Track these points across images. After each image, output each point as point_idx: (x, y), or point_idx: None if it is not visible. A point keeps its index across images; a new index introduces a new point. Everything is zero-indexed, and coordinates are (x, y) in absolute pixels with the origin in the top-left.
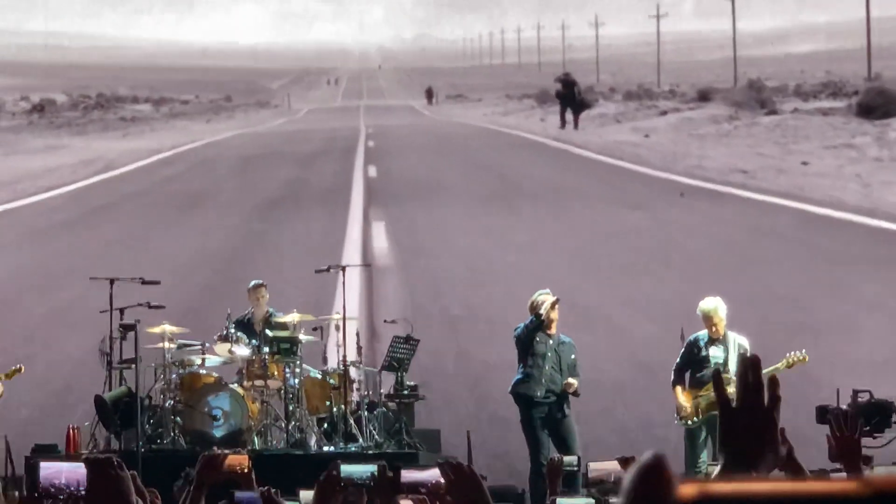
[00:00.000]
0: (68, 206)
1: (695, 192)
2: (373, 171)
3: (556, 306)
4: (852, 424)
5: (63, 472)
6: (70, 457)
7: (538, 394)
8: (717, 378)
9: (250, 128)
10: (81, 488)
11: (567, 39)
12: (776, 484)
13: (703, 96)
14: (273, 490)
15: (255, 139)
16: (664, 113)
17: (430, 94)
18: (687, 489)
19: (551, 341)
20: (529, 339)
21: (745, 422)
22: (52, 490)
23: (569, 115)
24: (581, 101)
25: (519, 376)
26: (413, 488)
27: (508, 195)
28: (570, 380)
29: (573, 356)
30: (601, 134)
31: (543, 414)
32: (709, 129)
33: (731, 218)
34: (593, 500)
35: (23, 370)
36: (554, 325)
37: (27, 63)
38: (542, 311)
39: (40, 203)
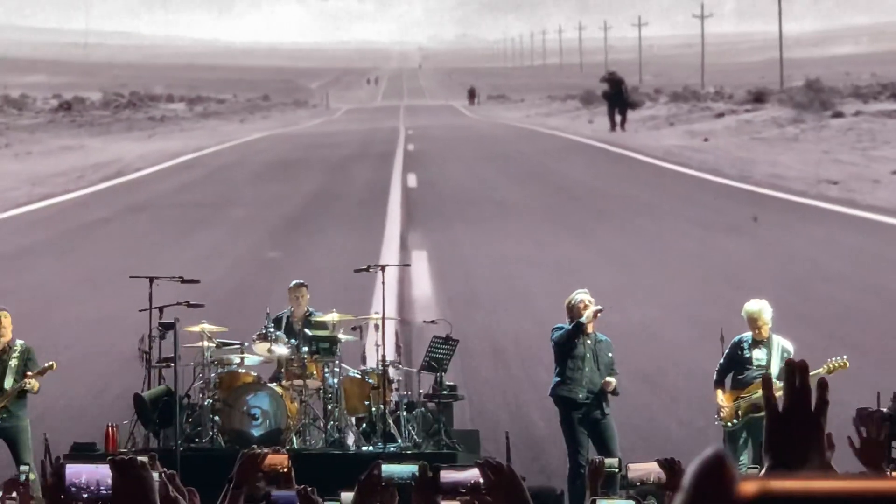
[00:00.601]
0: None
1: (783, 208)
2: (413, 181)
3: (599, 315)
4: (877, 427)
5: (85, 473)
6: (95, 458)
7: (579, 396)
8: (767, 383)
9: (284, 128)
10: (104, 489)
11: (609, 40)
12: (838, 481)
13: (758, 98)
14: (310, 489)
15: (285, 141)
16: (720, 115)
17: (472, 95)
18: (748, 486)
19: (589, 341)
20: (569, 343)
21: (791, 426)
22: (74, 490)
23: (616, 116)
24: (629, 100)
25: (558, 379)
26: (452, 489)
27: (569, 211)
28: (609, 378)
29: (610, 354)
30: (656, 137)
31: (583, 415)
32: (771, 133)
33: (841, 239)
34: (633, 502)
35: (55, 367)
36: (590, 325)
37: (67, 62)
38: (584, 320)
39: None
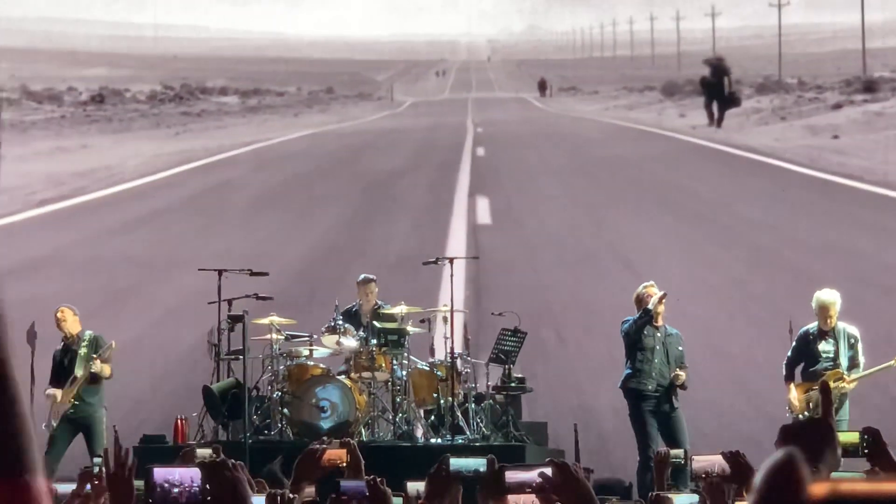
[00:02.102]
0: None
1: None
2: (484, 212)
3: (664, 301)
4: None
5: (178, 473)
6: (183, 458)
7: (649, 388)
8: (826, 391)
9: (339, 123)
10: (196, 485)
11: (681, 32)
12: None
13: (869, 87)
14: (379, 479)
15: (329, 142)
16: (837, 106)
17: (542, 86)
18: (818, 488)
19: (659, 334)
20: (638, 334)
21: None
22: (161, 490)
23: (714, 110)
24: (730, 95)
25: (628, 371)
26: (518, 488)
27: (731, 261)
28: (679, 372)
29: (680, 348)
30: (774, 135)
31: (653, 407)
32: None
33: None
34: (697, 497)
35: (115, 345)
36: (661, 318)
37: (130, 55)
38: (651, 307)
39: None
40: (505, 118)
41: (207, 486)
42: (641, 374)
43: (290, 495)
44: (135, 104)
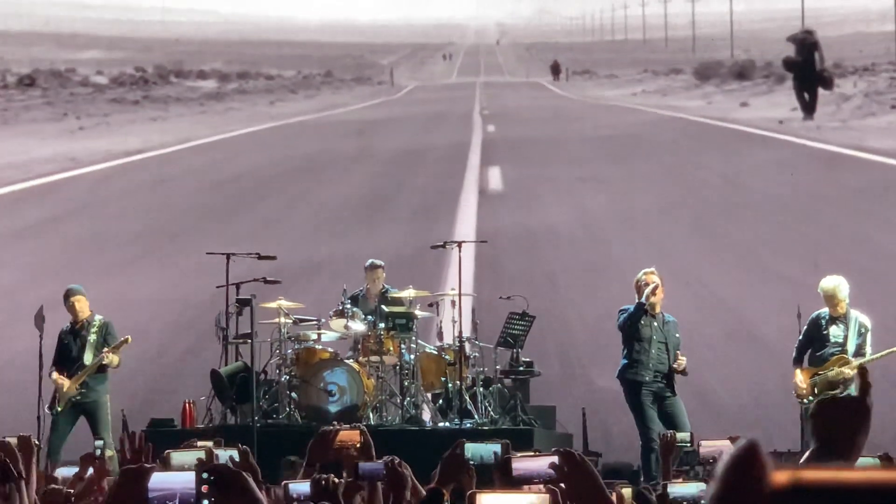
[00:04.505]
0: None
1: None
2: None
3: (658, 291)
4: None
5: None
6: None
7: (646, 378)
8: (863, 373)
9: (318, 113)
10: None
11: (695, 15)
12: (871, 473)
13: None
14: (398, 461)
15: (267, 147)
16: None
17: (556, 69)
18: (780, 477)
19: (656, 323)
20: (634, 326)
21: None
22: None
23: (804, 95)
24: (822, 75)
25: (625, 361)
26: (526, 478)
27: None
28: (681, 358)
29: (677, 335)
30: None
31: (650, 394)
32: None
33: None
34: (704, 485)
35: (130, 340)
36: (658, 306)
37: (128, 38)
38: (644, 299)
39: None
40: (520, 106)
41: (213, 499)
42: (639, 364)
43: (335, 480)
44: (76, 87)
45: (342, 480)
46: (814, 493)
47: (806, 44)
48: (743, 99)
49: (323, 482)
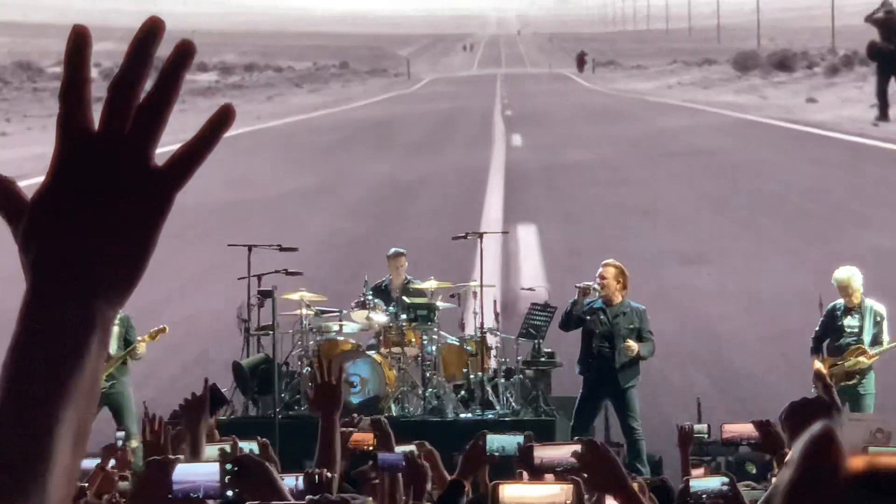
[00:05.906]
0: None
1: None
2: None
3: (590, 291)
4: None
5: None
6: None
7: (589, 373)
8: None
9: (313, 112)
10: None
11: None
12: None
13: None
14: (416, 453)
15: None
16: None
17: (581, 61)
18: (856, 462)
19: (604, 316)
20: (567, 322)
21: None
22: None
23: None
24: None
25: (579, 355)
26: (548, 467)
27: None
28: (629, 343)
29: (632, 325)
30: None
31: (596, 390)
32: None
33: None
34: (727, 479)
35: (167, 330)
36: (616, 298)
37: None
38: (577, 296)
39: None
40: (549, 106)
41: (237, 490)
42: (585, 357)
43: (328, 475)
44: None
45: (334, 476)
46: (890, 478)
47: (891, 24)
48: (801, 92)
49: (315, 476)
